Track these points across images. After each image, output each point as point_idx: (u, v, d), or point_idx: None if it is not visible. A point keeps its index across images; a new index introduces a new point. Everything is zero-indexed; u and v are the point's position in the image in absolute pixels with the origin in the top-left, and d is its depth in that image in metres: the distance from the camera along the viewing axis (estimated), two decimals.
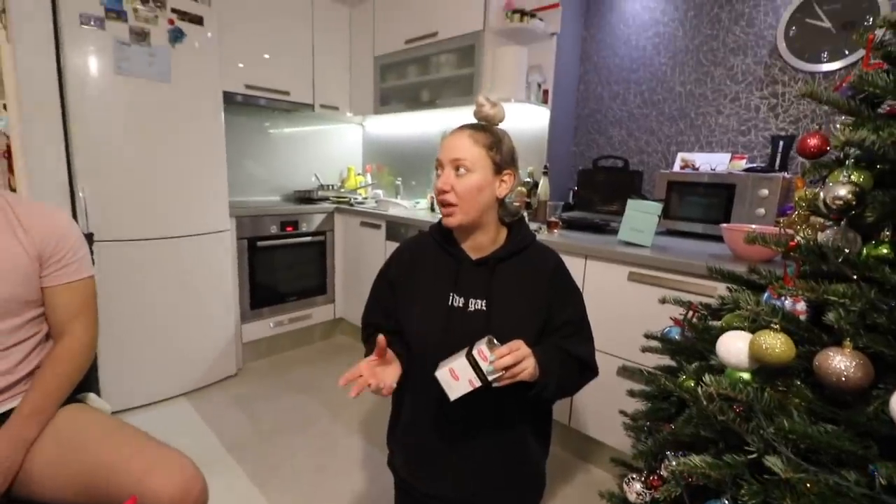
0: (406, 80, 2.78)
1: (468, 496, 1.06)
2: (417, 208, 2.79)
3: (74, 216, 1.79)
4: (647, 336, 1.18)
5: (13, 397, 0.96)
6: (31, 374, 1.00)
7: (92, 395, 1.11)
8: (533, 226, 1.92)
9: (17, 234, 0.97)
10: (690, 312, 1.10)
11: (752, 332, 0.74)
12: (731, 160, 1.95)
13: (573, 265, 1.64)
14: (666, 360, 1.13)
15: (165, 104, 1.96)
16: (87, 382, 1.10)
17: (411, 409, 1.09)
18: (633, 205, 1.72)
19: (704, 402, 0.70)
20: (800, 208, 0.85)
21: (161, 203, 2.00)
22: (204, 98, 2.09)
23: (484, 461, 1.04)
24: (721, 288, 1.22)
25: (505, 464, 1.05)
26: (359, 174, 3.41)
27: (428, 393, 1.04)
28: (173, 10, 1.92)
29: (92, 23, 1.74)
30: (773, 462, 0.59)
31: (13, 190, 1.72)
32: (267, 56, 2.62)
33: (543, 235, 1.86)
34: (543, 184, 2.17)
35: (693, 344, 1.03)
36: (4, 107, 1.70)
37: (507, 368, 0.83)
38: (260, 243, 2.48)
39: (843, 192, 0.71)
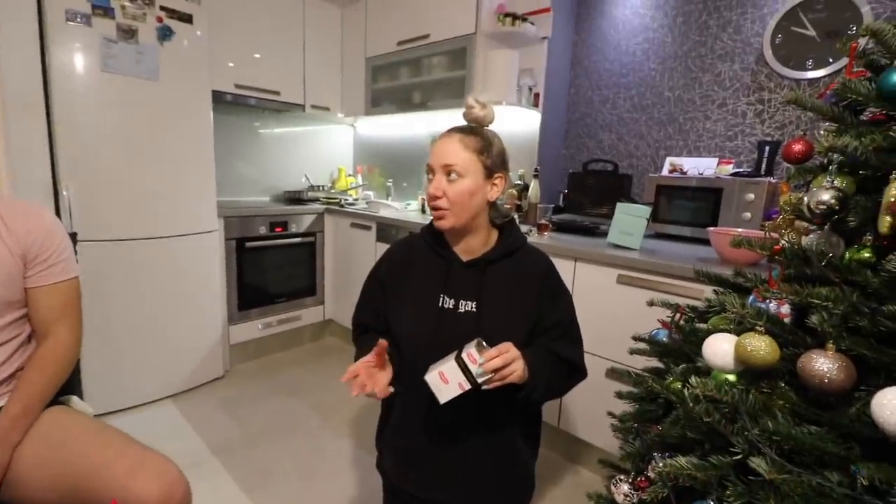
0: (398, 81, 2.78)
1: (457, 498, 1.06)
2: (408, 210, 2.79)
3: (58, 215, 1.75)
4: (635, 338, 1.19)
5: None
6: (13, 377, 0.98)
7: (74, 398, 1.09)
8: (523, 228, 1.92)
9: (1, 233, 0.95)
10: (678, 315, 1.12)
11: (738, 334, 0.75)
12: (718, 165, 1.98)
13: (563, 267, 1.64)
14: (654, 362, 1.14)
15: (153, 103, 1.93)
16: (70, 385, 1.07)
17: (401, 410, 1.09)
18: (622, 208, 1.73)
19: (691, 404, 0.71)
20: (785, 212, 0.86)
21: (147, 203, 1.97)
22: (193, 97, 2.06)
23: (473, 463, 1.04)
24: (708, 291, 1.24)
25: (494, 466, 1.05)
26: (349, 175, 3.39)
27: (417, 395, 1.03)
28: (162, 8, 1.90)
29: (78, 19, 1.71)
30: (757, 463, 0.60)
31: None
32: (258, 56, 2.60)
33: (534, 238, 1.87)
34: (534, 186, 2.18)
35: (680, 346, 1.04)
36: None
37: (496, 371, 0.83)
38: (249, 244, 2.46)
39: (826, 196, 0.72)
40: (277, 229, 2.58)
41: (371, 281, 1.14)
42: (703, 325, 1.02)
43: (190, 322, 2.19)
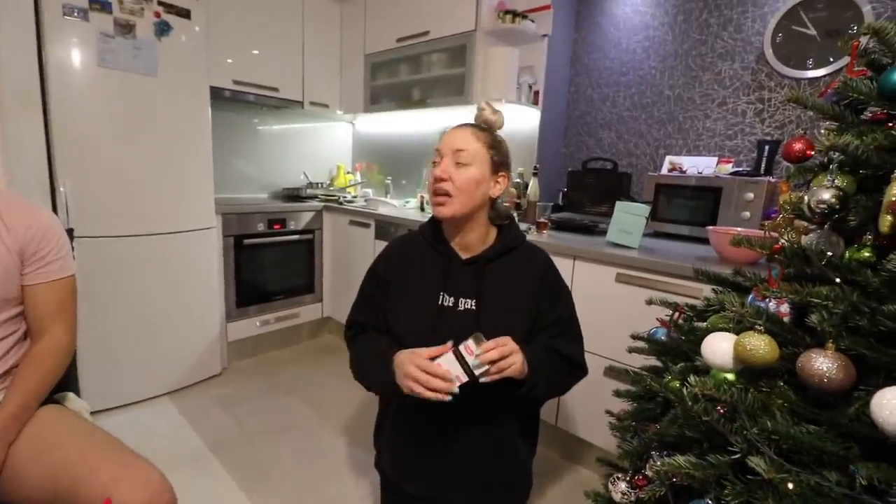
0: (397, 78, 2.77)
1: (455, 496, 1.06)
2: (407, 208, 2.78)
3: (55, 211, 1.74)
4: (634, 337, 1.18)
5: None
6: (8, 374, 0.97)
7: (71, 395, 1.09)
8: (522, 226, 1.92)
9: None
10: (676, 313, 1.11)
11: (737, 333, 0.75)
12: (717, 164, 1.97)
13: (562, 266, 1.64)
14: (652, 361, 1.13)
15: (151, 98, 1.92)
16: (66, 382, 1.07)
17: (399, 409, 1.09)
18: (621, 206, 1.73)
19: (689, 403, 0.70)
20: (785, 212, 0.86)
21: (145, 199, 1.96)
22: (190, 93, 2.05)
23: (472, 461, 1.04)
24: (706, 290, 1.24)
25: (493, 464, 1.05)
26: (348, 173, 3.38)
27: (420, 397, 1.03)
28: (160, 3, 1.89)
29: (75, 14, 1.70)
30: (756, 462, 0.59)
31: None
32: (256, 52, 2.59)
33: (532, 236, 1.87)
34: (533, 185, 2.17)
35: (679, 345, 1.04)
36: None
37: (493, 363, 0.83)
38: (247, 241, 2.45)
39: (827, 196, 0.72)
40: (276, 226, 2.57)
41: (370, 278, 1.13)
42: (701, 324, 1.02)
43: (187, 319, 2.19)
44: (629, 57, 2.31)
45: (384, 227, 2.45)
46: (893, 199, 0.61)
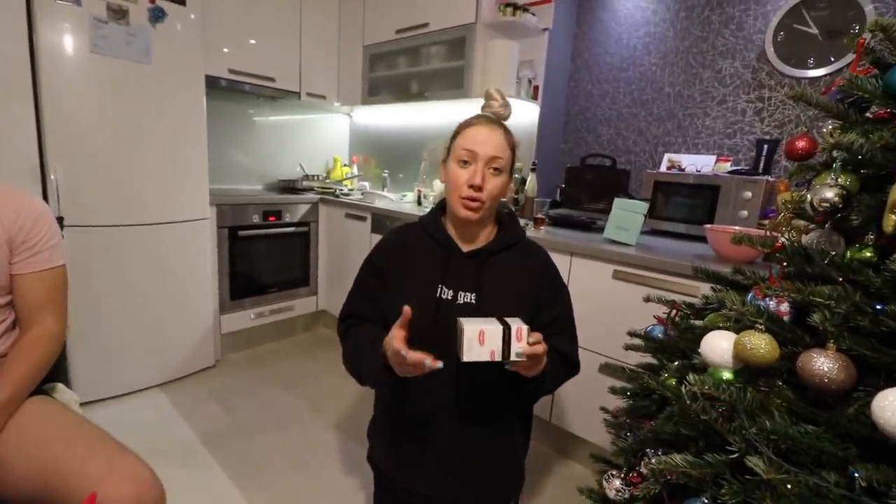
0: (395, 70, 2.74)
1: (448, 491, 1.05)
2: (404, 201, 2.76)
3: (45, 199, 1.72)
4: (631, 334, 1.18)
5: None
6: None
7: (60, 386, 1.07)
8: (520, 222, 1.91)
9: None
10: (673, 311, 1.11)
11: (736, 331, 0.75)
12: (716, 162, 1.97)
13: (559, 262, 1.62)
14: (648, 359, 1.13)
15: (144, 86, 1.89)
16: (56, 372, 1.05)
17: (394, 402, 1.08)
18: (619, 203, 1.72)
19: (688, 402, 0.70)
20: (785, 210, 0.85)
21: (138, 188, 1.93)
22: (185, 81, 2.02)
23: (465, 456, 1.03)
24: (704, 288, 1.23)
25: (485, 459, 1.05)
26: (345, 165, 3.36)
27: (413, 386, 1.02)
28: None
29: None
30: (754, 463, 0.59)
31: None
32: (253, 41, 2.55)
33: (530, 232, 1.86)
34: (531, 180, 2.16)
35: (675, 342, 1.03)
36: None
37: (529, 356, 0.81)
38: (241, 233, 2.43)
39: (830, 194, 0.71)
40: (271, 218, 2.55)
41: (366, 269, 1.12)
42: (698, 322, 1.02)
43: (180, 310, 2.16)
44: (630, 53, 2.30)
45: (381, 220, 2.43)
46: None
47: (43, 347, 0.97)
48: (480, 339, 0.80)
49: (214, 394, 2.12)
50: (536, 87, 2.38)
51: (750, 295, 0.81)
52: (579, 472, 1.75)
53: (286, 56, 2.73)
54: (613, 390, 1.18)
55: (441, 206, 1.10)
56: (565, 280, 1.67)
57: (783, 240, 0.82)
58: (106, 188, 1.85)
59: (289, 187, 2.92)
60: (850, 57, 1.71)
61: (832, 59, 1.75)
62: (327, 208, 2.78)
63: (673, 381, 0.92)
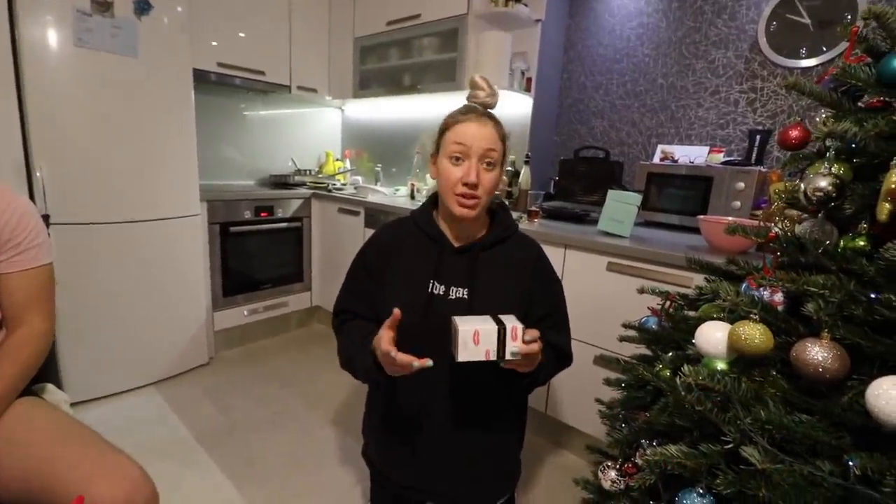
0: (387, 63, 2.71)
1: (443, 487, 1.05)
2: (397, 196, 2.75)
3: (31, 197, 1.69)
4: (625, 325, 1.18)
5: None
6: None
7: (50, 387, 1.05)
8: (514, 215, 1.90)
9: None
10: (667, 302, 1.11)
11: (731, 322, 0.75)
12: (709, 153, 1.97)
13: (553, 255, 1.63)
14: (642, 350, 1.13)
15: (131, 80, 1.85)
16: (45, 372, 1.03)
17: (387, 399, 1.07)
18: (613, 195, 1.72)
19: (683, 392, 0.70)
20: (779, 199, 0.85)
21: (126, 185, 1.90)
22: (173, 75, 1.98)
23: (460, 452, 1.03)
24: (697, 279, 1.23)
25: (481, 455, 1.04)
26: (337, 159, 3.33)
27: (406, 382, 1.02)
28: None
29: None
30: (749, 453, 0.59)
31: None
32: (242, 35, 2.51)
33: (524, 225, 1.85)
34: (525, 173, 2.15)
35: (669, 333, 1.04)
36: None
37: (526, 355, 0.80)
38: (233, 229, 2.40)
39: (824, 183, 0.71)
40: (263, 214, 2.52)
41: (358, 264, 1.11)
42: (692, 313, 1.02)
43: (172, 308, 2.14)
44: (623, 44, 2.29)
45: (374, 215, 2.42)
46: (893, 186, 0.61)
47: (31, 347, 0.95)
48: (475, 339, 0.79)
49: (208, 391, 2.11)
50: (529, 79, 2.36)
51: (744, 285, 0.81)
52: (574, 463, 1.75)
53: (276, 49, 2.69)
54: (608, 382, 1.19)
55: (433, 201, 1.09)
56: (559, 272, 1.67)
57: (777, 230, 0.82)
58: (93, 185, 1.82)
59: (281, 182, 2.89)
60: (842, 47, 1.70)
61: (824, 49, 1.75)
62: (320, 203, 2.76)
63: (667, 372, 0.92)
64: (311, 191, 2.77)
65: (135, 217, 1.95)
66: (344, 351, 1.04)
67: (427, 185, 2.61)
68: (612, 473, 1.02)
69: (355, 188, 2.87)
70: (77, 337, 1.84)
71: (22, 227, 0.96)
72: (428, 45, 2.49)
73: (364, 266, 1.08)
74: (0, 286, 0.96)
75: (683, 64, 2.11)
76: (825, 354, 0.60)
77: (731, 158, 1.88)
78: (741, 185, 1.71)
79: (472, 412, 1.01)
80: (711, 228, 1.50)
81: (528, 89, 2.36)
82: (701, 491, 0.72)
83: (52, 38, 1.66)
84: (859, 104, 0.80)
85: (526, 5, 2.22)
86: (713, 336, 0.74)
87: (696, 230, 1.67)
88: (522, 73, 2.34)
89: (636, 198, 1.68)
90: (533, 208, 1.98)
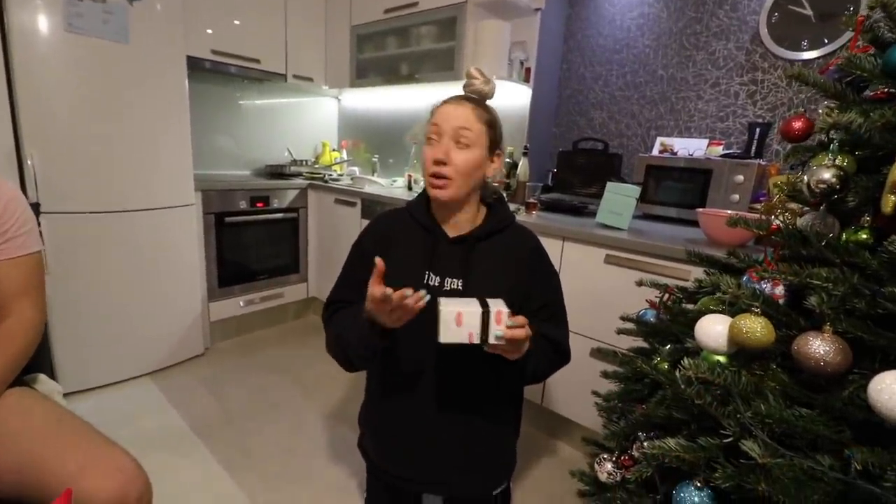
0: (384, 51, 2.67)
1: (439, 477, 1.05)
2: (394, 186, 2.72)
3: (23, 185, 1.66)
4: (623, 318, 1.18)
5: None
6: None
7: (42, 377, 1.04)
8: (511, 207, 1.89)
9: None
10: (666, 295, 1.10)
11: (731, 315, 0.74)
12: (708, 146, 1.96)
13: (551, 247, 1.62)
14: (640, 343, 1.13)
15: (123, 66, 1.82)
16: (38, 363, 1.02)
17: (383, 389, 1.07)
18: (611, 188, 1.71)
19: (682, 386, 0.69)
20: (780, 191, 0.84)
21: (118, 173, 1.87)
22: (166, 62, 1.95)
23: (454, 443, 1.02)
24: (696, 271, 1.23)
25: (475, 445, 1.04)
26: (334, 150, 3.30)
27: (401, 373, 1.01)
28: None
29: None
30: (749, 446, 0.59)
31: None
32: (237, 22, 2.47)
33: (522, 217, 1.84)
34: (523, 165, 2.13)
35: (667, 326, 1.03)
36: None
37: (510, 340, 0.79)
38: (228, 219, 2.38)
39: (827, 175, 0.70)
40: (258, 204, 2.50)
41: (354, 255, 1.09)
42: (690, 306, 1.01)
43: (167, 298, 2.12)
44: (623, 34, 2.26)
45: (371, 206, 2.40)
46: None
47: (21, 337, 0.94)
48: (458, 321, 0.78)
49: (204, 382, 2.10)
50: (528, 70, 2.33)
51: (745, 278, 0.80)
52: (571, 455, 1.76)
53: (271, 37, 2.65)
54: (605, 374, 1.18)
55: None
56: (557, 265, 1.67)
57: (778, 222, 0.82)
58: (85, 173, 1.79)
59: (277, 172, 2.86)
60: (845, 39, 1.69)
61: (826, 42, 1.73)
62: (316, 194, 2.74)
63: (665, 365, 0.92)
64: (308, 181, 2.74)
65: (128, 206, 1.92)
66: (333, 335, 1.03)
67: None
68: (609, 465, 1.02)
69: (352, 179, 2.84)
70: (71, 327, 1.82)
71: (9, 214, 0.94)
72: (426, 33, 2.45)
73: (361, 255, 1.07)
74: None
75: (684, 55, 2.09)
76: (827, 348, 0.59)
77: (731, 151, 1.87)
78: (740, 178, 1.70)
79: (466, 403, 1.01)
80: (710, 221, 1.50)
81: (526, 80, 2.33)
82: (698, 484, 0.72)
83: (42, 22, 1.63)
84: (864, 95, 0.79)
85: None
86: (713, 329, 0.74)
87: (694, 223, 1.66)
88: (521, 63, 2.31)
89: (635, 190, 1.67)
90: (531, 200, 1.97)
